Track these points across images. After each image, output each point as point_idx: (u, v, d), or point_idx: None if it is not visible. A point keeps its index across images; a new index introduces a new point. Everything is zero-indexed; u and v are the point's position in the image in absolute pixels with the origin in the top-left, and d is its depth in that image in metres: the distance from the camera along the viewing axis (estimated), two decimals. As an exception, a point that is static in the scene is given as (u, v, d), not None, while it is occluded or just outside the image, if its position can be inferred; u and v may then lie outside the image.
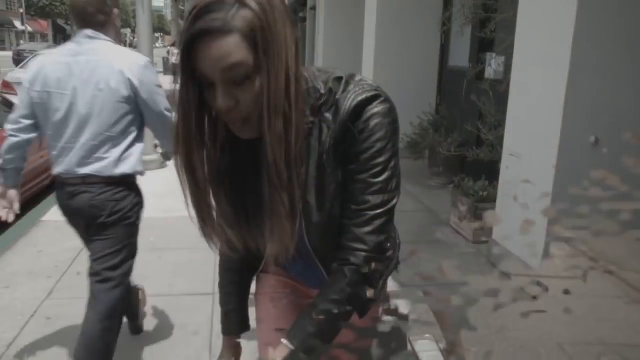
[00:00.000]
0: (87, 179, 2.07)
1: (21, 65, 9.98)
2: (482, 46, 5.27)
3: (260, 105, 0.91)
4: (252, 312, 1.37)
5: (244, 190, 1.08)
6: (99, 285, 2.18)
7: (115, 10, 2.16)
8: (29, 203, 5.00)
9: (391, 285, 1.68)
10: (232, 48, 0.86)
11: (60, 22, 54.75)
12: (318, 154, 1.03)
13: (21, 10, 46.66)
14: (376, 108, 1.00)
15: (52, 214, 4.61)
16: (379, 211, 1.04)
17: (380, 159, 1.01)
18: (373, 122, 1.00)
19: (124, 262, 2.22)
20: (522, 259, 3.44)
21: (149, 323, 2.93)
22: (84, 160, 2.06)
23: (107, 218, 2.11)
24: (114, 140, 2.07)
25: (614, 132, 3.11)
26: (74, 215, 2.18)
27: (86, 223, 2.15)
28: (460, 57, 6.21)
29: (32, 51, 17.26)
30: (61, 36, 55.19)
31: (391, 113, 1.02)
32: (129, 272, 2.28)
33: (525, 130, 3.44)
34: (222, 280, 1.34)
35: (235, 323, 1.34)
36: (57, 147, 2.09)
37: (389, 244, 1.15)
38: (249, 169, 1.05)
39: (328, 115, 1.01)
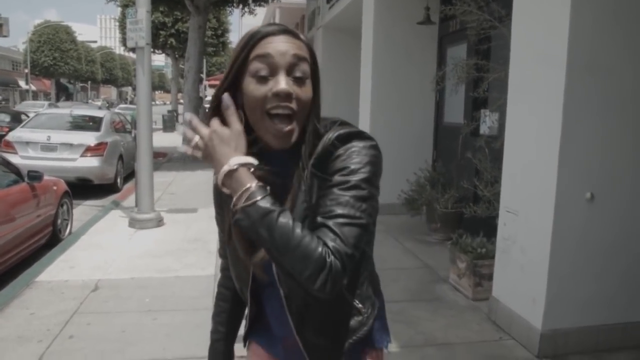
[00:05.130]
0: None
1: (23, 124, 10.04)
2: (476, 103, 5.35)
3: (305, 112, 1.07)
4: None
5: None
6: None
7: None
8: (23, 263, 4.94)
9: (391, 346, 1.63)
10: (302, 47, 1.08)
11: (63, 80, 55.84)
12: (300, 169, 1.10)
13: (26, 71, 47.65)
14: (361, 142, 1.05)
15: (47, 275, 4.56)
16: (344, 220, 0.98)
17: (353, 177, 1.01)
18: (353, 149, 1.04)
19: None
20: (522, 316, 3.38)
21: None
22: None
23: None
24: None
25: (610, 188, 3.13)
26: None
27: None
28: (455, 114, 6.30)
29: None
30: (63, 94, 56.21)
31: (374, 149, 1.06)
32: None
33: (521, 187, 3.45)
34: (215, 309, 1.41)
35: (220, 352, 1.39)
36: None
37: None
38: None
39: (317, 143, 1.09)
